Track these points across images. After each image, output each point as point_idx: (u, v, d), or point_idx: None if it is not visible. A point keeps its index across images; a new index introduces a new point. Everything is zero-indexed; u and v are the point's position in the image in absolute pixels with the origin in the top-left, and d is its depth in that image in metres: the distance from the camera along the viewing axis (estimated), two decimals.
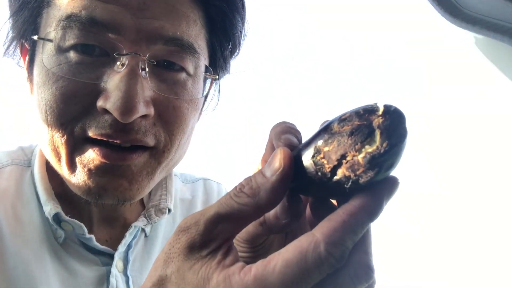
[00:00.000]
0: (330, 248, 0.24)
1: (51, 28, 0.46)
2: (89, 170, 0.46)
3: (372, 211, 0.24)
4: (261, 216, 0.28)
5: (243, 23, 0.57)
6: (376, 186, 0.25)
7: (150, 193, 0.64)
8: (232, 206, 0.27)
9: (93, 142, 0.45)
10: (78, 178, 0.47)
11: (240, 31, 0.58)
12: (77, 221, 0.52)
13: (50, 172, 0.55)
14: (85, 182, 0.46)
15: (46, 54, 0.46)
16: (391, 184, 0.25)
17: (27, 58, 0.52)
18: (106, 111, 0.44)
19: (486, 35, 0.58)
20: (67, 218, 0.52)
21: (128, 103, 0.43)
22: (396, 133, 0.24)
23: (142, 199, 0.64)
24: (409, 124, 0.25)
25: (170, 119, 0.49)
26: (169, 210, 0.62)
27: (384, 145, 0.23)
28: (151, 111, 0.46)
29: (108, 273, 0.55)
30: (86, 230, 0.53)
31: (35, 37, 0.47)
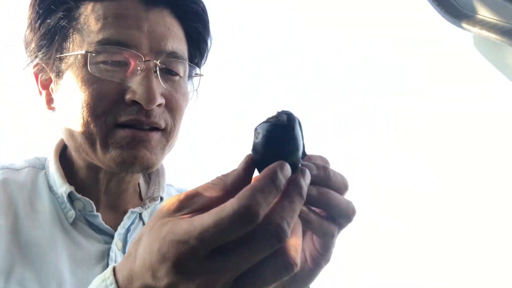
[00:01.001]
0: (241, 201, 0.31)
1: (83, 48, 0.64)
2: (122, 146, 0.63)
3: (269, 176, 0.33)
4: (229, 196, 0.34)
5: (210, 37, 0.78)
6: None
7: (147, 189, 0.81)
8: (207, 185, 0.36)
9: (121, 127, 0.63)
10: (113, 154, 0.64)
11: (208, 44, 0.78)
12: (87, 199, 0.68)
13: (63, 168, 0.72)
14: (119, 154, 0.63)
15: (81, 65, 0.64)
16: (278, 163, 0.34)
17: (46, 75, 0.70)
18: (133, 103, 0.62)
19: (486, 35, 0.57)
20: (79, 196, 0.68)
21: (151, 95, 0.62)
22: (274, 127, 0.36)
23: (141, 196, 0.79)
24: (298, 127, 0.37)
25: (173, 107, 0.68)
26: (161, 198, 0.76)
27: (263, 131, 0.36)
28: (163, 101, 0.65)
29: (108, 249, 0.68)
30: (94, 208, 0.69)
31: (83, 52, 0.63)
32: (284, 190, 0.34)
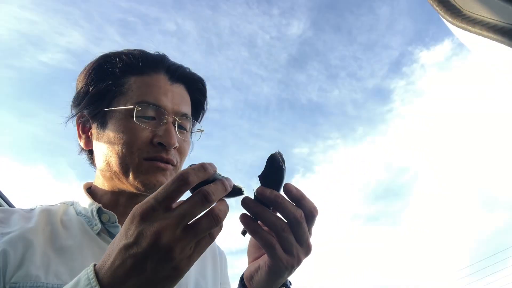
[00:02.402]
0: (179, 172, 0.56)
1: (127, 105, 0.92)
2: (148, 172, 0.91)
3: (200, 163, 0.59)
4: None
5: (206, 105, 1.14)
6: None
7: None
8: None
9: (148, 160, 0.91)
10: (142, 179, 0.90)
11: (204, 109, 1.14)
12: (112, 212, 0.92)
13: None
14: (146, 178, 0.91)
15: (123, 116, 0.92)
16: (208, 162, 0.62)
17: (89, 123, 0.99)
18: (158, 144, 0.91)
19: (486, 36, 0.57)
20: (106, 210, 0.92)
21: (172, 140, 0.92)
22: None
23: None
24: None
25: (182, 151, 0.98)
26: None
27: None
28: (177, 145, 0.94)
29: None
30: (117, 219, 0.92)
31: (131, 107, 0.92)
32: (215, 182, 0.59)
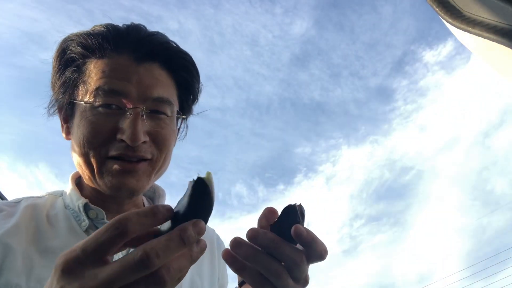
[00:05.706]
0: (113, 220, 0.46)
1: (86, 96, 0.80)
2: (113, 174, 0.79)
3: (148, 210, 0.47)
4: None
5: (198, 83, 0.94)
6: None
7: None
8: None
9: (113, 159, 0.79)
10: (106, 180, 0.79)
11: (197, 88, 0.94)
12: (100, 208, 0.83)
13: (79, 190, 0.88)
14: (110, 181, 0.79)
15: (85, 109, 0.80)
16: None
17: (65, 113, 0.87)
18: (122, 140, 0.77)
19: (486, 37, 0.57)
20: (93, 206, 0.83)
21: (135, 136, 0.76)
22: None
23: None
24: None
25: (159, 142, 0.83)
26: None
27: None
28: (147, 138, 0.80)
29: None
30: (105, 216, 0.83)
31: (83, 101, 0.80)
32: (171, 232, 0.45)
